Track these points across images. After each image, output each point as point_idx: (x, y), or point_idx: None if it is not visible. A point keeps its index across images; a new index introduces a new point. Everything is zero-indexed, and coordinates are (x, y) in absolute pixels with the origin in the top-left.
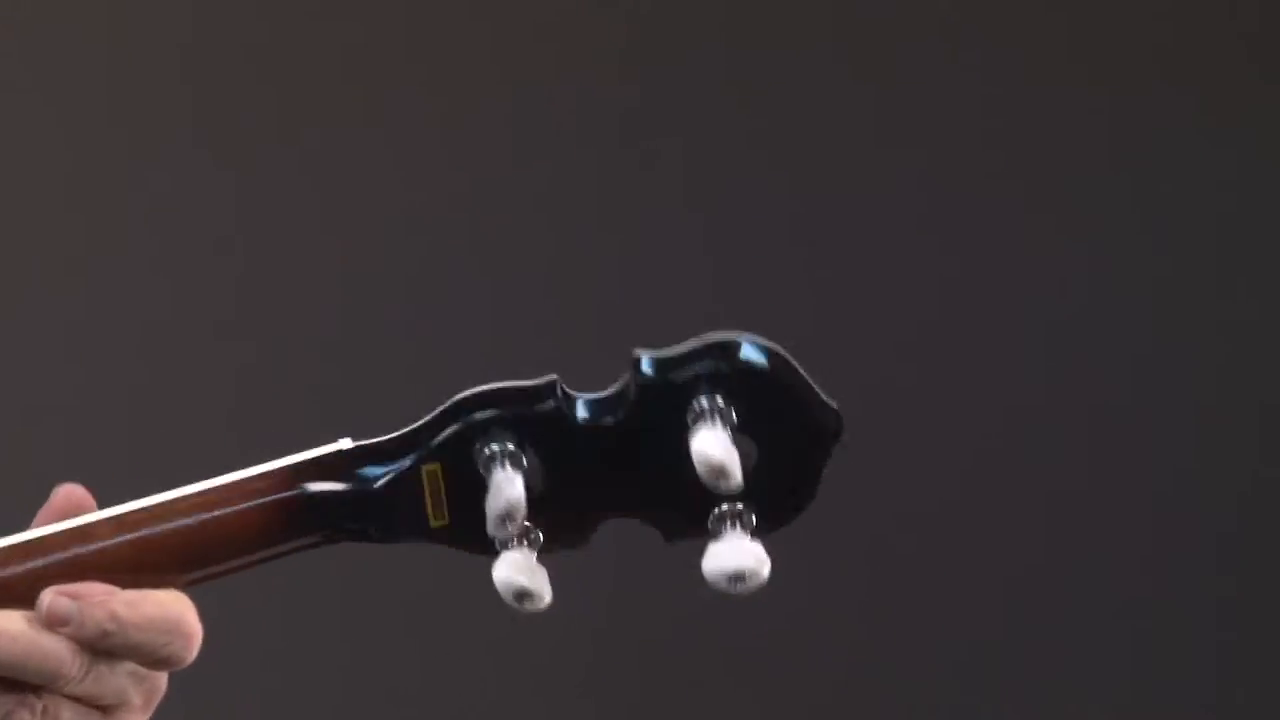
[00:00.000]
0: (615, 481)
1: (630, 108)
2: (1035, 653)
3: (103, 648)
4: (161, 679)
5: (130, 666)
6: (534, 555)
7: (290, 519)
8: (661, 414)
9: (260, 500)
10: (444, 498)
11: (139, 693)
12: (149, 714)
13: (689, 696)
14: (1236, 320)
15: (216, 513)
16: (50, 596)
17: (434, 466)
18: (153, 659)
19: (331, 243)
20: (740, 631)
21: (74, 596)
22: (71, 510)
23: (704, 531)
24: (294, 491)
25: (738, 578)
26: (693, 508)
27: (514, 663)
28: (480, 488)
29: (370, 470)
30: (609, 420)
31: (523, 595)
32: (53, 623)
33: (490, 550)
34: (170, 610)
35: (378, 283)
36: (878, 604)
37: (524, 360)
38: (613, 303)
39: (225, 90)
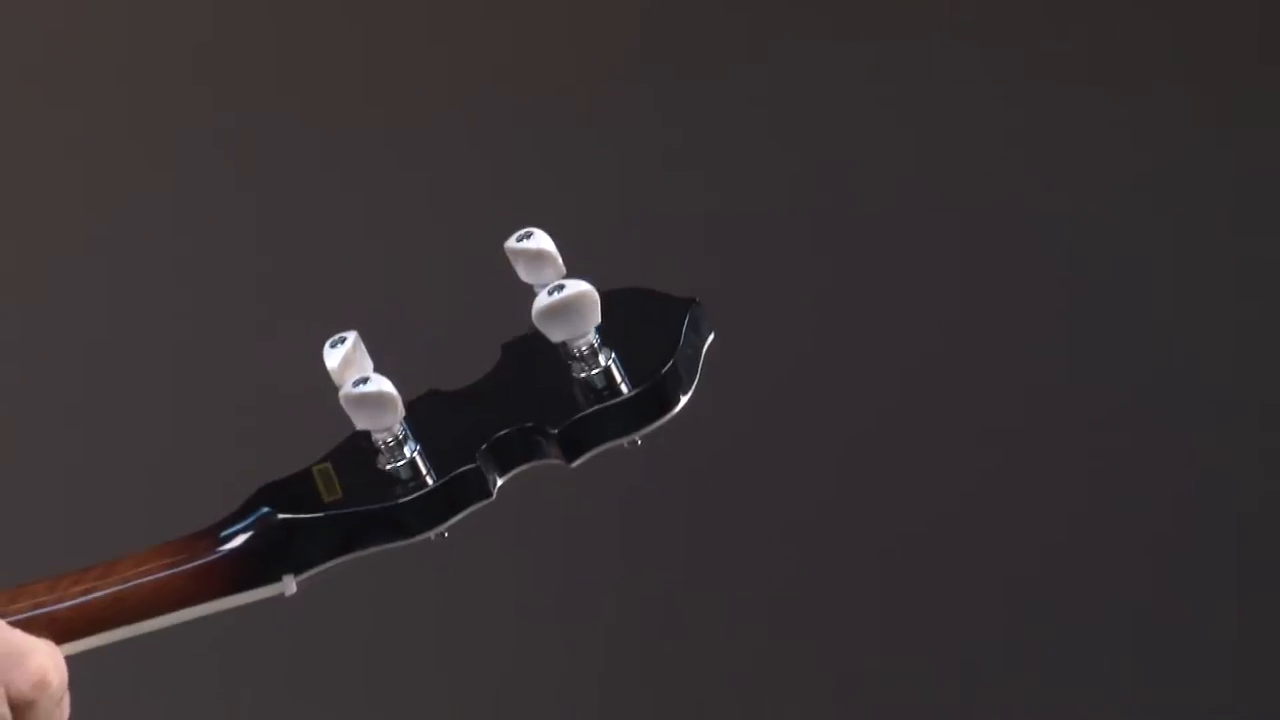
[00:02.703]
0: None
1: (633, 107)
2: (1035, 653)
3: None
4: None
5: None
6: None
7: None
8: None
9: (181, 568)
10: (336, 482)
11: None
12: None
13: (692, 697)
14: (1237, 319)
15: (142, 580)
16: None
17: (323, 465)
18: None
19: (332, 242)
20: (741, 631)
21: None
22: None
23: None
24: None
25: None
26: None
27: (523, 664)
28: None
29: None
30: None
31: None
32: None
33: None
34: (11, 643)
35: (378, 282)
36: (877, 603)
37: None
38: None
39: (226, 89)
